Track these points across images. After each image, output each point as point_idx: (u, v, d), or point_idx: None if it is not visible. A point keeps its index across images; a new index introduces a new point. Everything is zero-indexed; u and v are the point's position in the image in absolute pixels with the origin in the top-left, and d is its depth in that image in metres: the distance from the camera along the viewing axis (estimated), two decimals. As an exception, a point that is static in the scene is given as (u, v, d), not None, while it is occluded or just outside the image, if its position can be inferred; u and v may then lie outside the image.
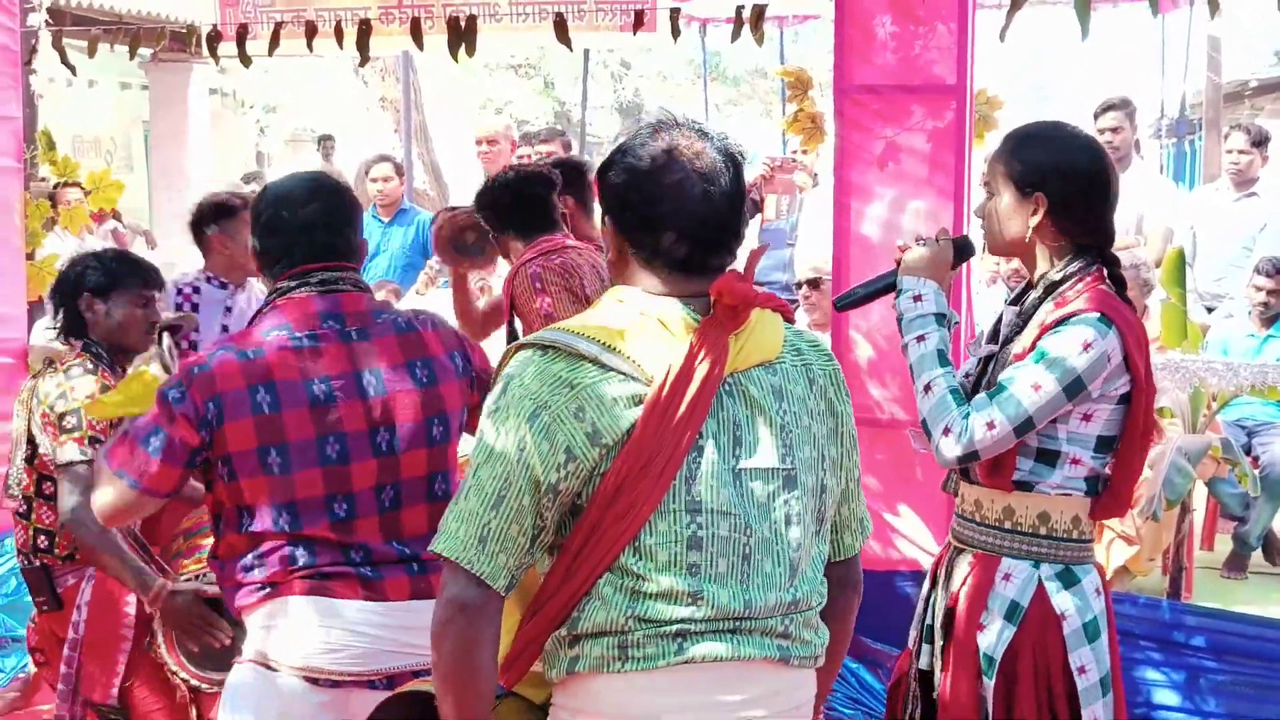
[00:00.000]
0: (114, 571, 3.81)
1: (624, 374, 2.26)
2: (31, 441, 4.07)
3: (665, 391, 2.24)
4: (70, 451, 3.86)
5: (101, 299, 4.08)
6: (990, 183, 3.14)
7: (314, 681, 3.05)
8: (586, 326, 2.31)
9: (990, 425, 2.97)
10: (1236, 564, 6.66)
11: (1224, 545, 6.84)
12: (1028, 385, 2.96)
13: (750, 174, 8.29)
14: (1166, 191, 8.46)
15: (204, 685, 3.84)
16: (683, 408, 2.24)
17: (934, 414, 3.05)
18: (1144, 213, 7.79)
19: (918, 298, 3.14)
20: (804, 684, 2.39)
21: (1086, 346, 2.95)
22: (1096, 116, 7.94)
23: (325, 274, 3.19)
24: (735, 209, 2.36)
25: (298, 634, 3.05)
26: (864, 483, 4.52)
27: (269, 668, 3.08)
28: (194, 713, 3.99)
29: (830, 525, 2.46)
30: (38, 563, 4.12)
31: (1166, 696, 4.77)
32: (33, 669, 5.09)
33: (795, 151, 8.23)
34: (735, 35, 5.63)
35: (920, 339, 3.11)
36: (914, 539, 4.61)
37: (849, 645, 2.67)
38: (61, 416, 3.91)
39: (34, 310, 5.98)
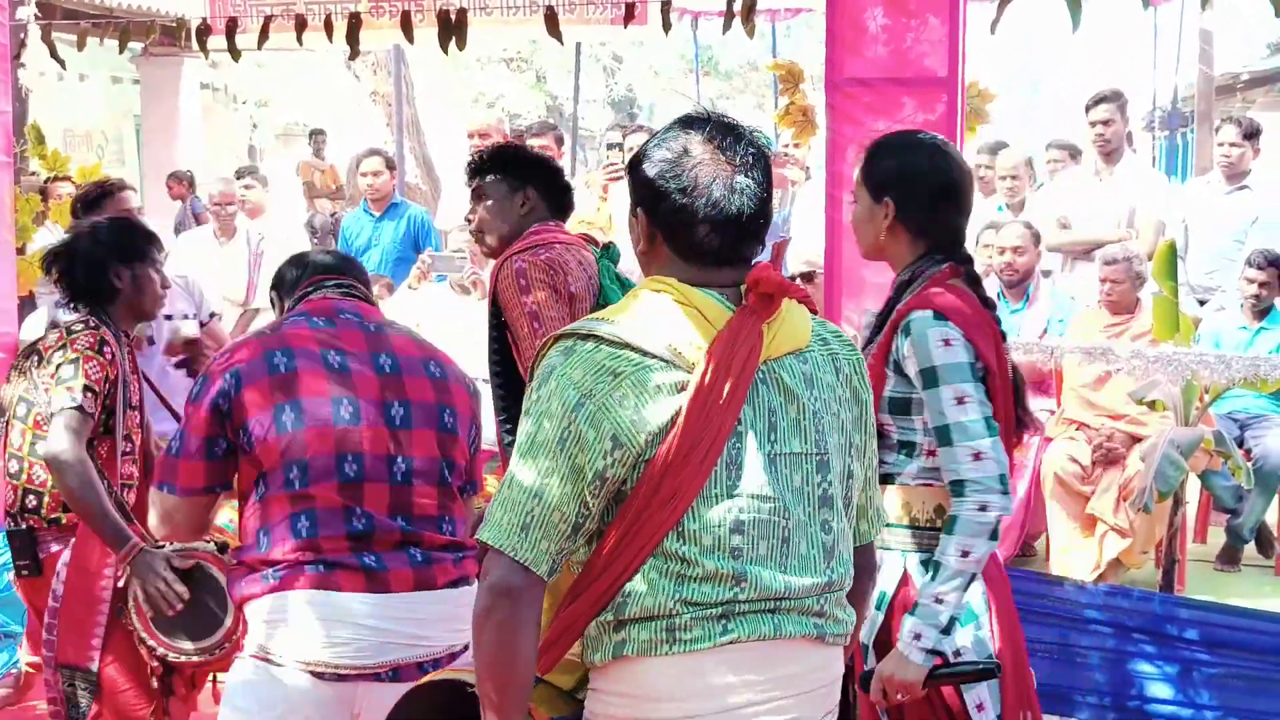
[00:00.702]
0: (92, 521, 3.80)
1: (665, 361, 2.31)
2: (25, 400, 4.09)
3: (707, 378, 2.29)
4: (61, 397, 3.87)
5: (128, 267, 4.14)
6: (855, 190, 3.27)
7: (319, 676, 3.06)
8: (626, 315, 2.36)
9: (978, 456, 2.97)
10: (1229, 557, 6.66)
11: (1217, 538, 6.84)
12: (953, 407, 2.99)
13: None
14: (1158, 184, 8.45)
15: (170, 654, 3.83)
16: (724, 395, 2.29)
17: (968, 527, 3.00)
18: (1136, 205, 7.79)
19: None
20: (836, 660, 2.46)
21: (948, 342, 3.01)
22: (1088, 109, 7.94)
23: (340, 281, 3.43)
24: (765, 200, 2.41)
25: (301, 629, 3.06)
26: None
27: (272, 662, 3.09)
28: (164, 700, 4.02)
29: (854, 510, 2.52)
30: (24, 524, 4.12)
31: (1159, 689, 4.77)
32: (25, 666, 5.08)
33: (787, 145, 8.23)
34: (726, 27, 5.62)
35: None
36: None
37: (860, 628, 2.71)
38: (58, 368, 3.94)
39: (24, 305, 5.96)
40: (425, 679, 2.77)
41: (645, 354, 2.31)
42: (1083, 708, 4.81)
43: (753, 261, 2.42)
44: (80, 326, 4.03)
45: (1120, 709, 4.77)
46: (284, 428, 3.10)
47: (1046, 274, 7.89)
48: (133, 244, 4.19)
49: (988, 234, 7.40)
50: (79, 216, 5.27)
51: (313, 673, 3.05)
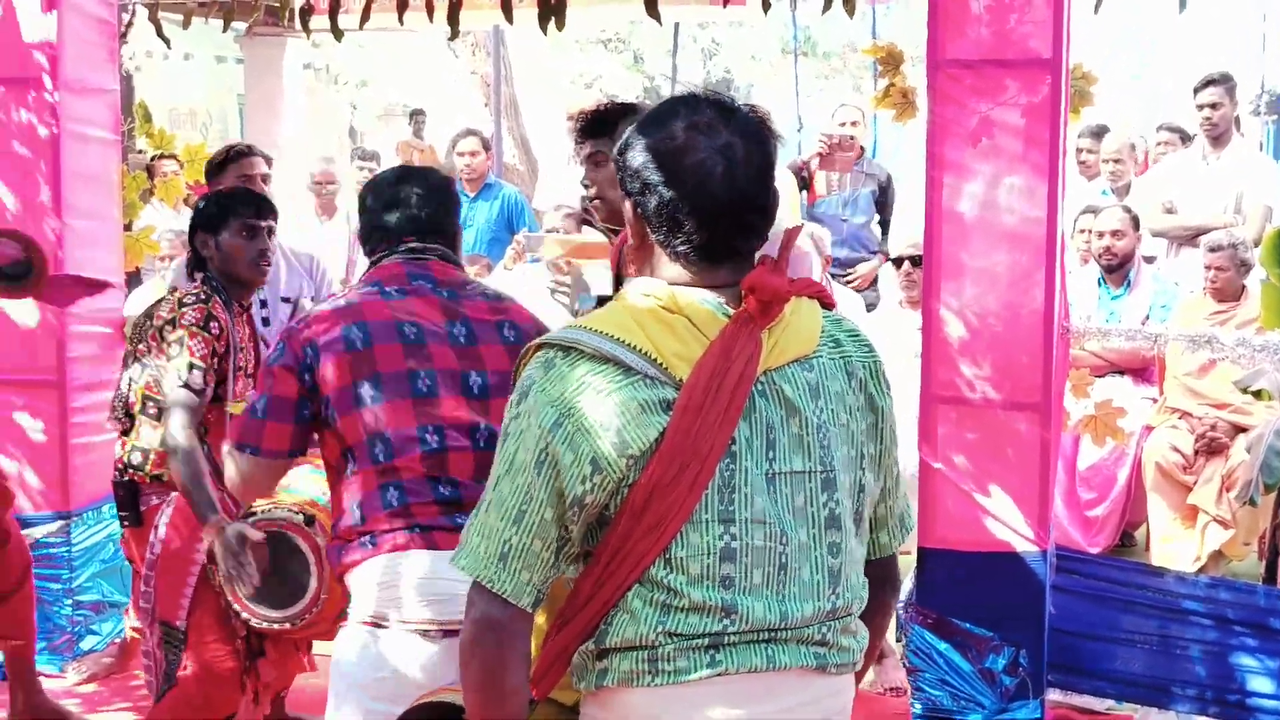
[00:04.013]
0: (184, 489, 3.95)
1: (651, 377, 2.14)
2: (139, 360, 4.25)
3: (696, 396, 2.11)
4: (171, 378, 4.05)
5: (212, 234, 4.27)
6: None
7: (425, 635, 3.09)
8: (610, 324, 2.18)
9: None
10: (1335, 549, 6.54)
11: (1322, 530, 6.71)
12: None
13: (809, 151, 8.27)
14: (1266, 169, 8.28)
15: (253, 620, 3.96)
16: (715, 413, 2.11)
17: None
18: (1243, 191, 7.66)
19: None
20: (841, 690, 2.30)
21: None
22: (1196, 92, 7.82)
23: (413, 244, 3.39)
24: (762, 187, 2.20)
25: (402, 590, 3.10)
26: (953, 462, 4.53)
27: (379, 625, 3.13)
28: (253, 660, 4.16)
29: (868, 524, 2.36)
30: (128, 478, 4.28)
31: (1261, 684, 4.69)
32: (129, 634, 5.19)
33: (843, 124, 8.18)
34: (826, 8, 5.56)
35: None
36: (1005, 520, 4.56)
37: (884, 633, 2.58)
38: (169, 343, 4.09)
39: (131, 281, 6.06)
40: (417, 701, 2.74)
41: (629, 369, 2.13)
42: (1182, 700, 4.74)
43: (755, 255, 2.22)
44: (191, 299, 4.16)
45: (1221, 702, 4.70)
46: (364, 403, 3.15)
47: (1150, 260, 7.77)
48: (218, 212, 4.28)
49: (1085, 218, 7.31)
50: (209, 179, 5.38)
51: (419, 631, 3.09)
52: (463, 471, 3.16)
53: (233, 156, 5.35)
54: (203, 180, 6.28)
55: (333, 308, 3.29)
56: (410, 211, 3.40)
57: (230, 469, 3.36)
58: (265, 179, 5.32)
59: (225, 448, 3.41)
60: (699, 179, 2.15)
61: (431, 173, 3.60)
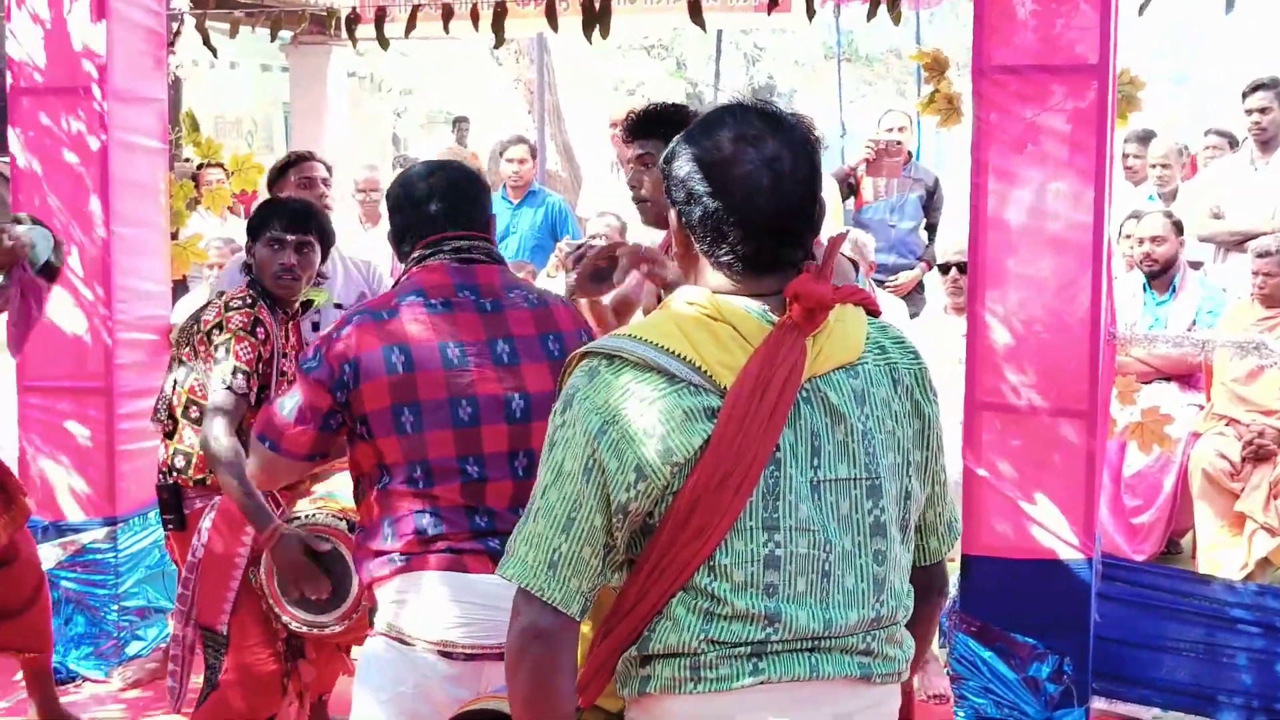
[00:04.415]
0: (236, 498, 3.95)
1: (695, 385, 2.14)
2: (185, 364, 4.29)
3: (740, 403, 2.11)
4: (214, 381, 4.09)
5: (253, 241, 4.34)
6: None
7: (448, 655, 3.09)
8: (654, 332, 2.18)
9: None
10: (1384, 558, 6.47)
11: (1372, 538, 6.64)
12: None
13: (851, 157, 8.25)
14: (1316, 174, 8.21)
15: (293, 624, 3.97)
16: (759, 420, 2.11)
17: None
18: (1293, 196, 7.59)
19: None
20: (886, 700, 2.28)
21: None
22: (1245, 96, 7.76)
23: (458, 242, 3.29)
24: (808, 198, 2.20)
25: (431, 608, 3.09)
26: (999, 469, 4.51)
27: (403, 641, 3.13)
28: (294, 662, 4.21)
29: (915, 531, 2.35)
30: (171, 481, 4.32)
31: (1310, 692, 4.65)
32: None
33: (890, 130, 8.14)
34: (871, 14, 5.56)
35: None
36: (1050, 528, 4.54)
37: (929, 637, 2.55)
38: (215, 346, 4.13)
39: (177, 289, 6.11)
40: (463, 708, 2.73)
41: (674, 377, 2.13)
42: (1228, 709, 4.71)
43: (801, 264, 2.20)
44: (238, 303, 4.20)
45: (1269, 711, 4.66)
46: (404, 429, 3.11)
47: (1198, 265, 7.72)
48: (258, 221, 4.35)
49: (1129, 224, 7.25)
50: (271, 185, 5.44)
51: (442, 652, 3.09)
52: (499, 501, 3.15)
53: (293, 161, 5.40)
54: (249, 189, 6.33)
55: (374, 319, 3.19)
56: (446, 204, 3.32)
57: (251, 458, 3.39)
58: (326, 183, 5.36)
59: (252, 438, 3.39)
60: (746, 191, 2.15)
61: (459, 164, 3.55)
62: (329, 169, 5.48)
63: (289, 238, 4.28)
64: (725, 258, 2.19)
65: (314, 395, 3.17)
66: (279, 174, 5.38)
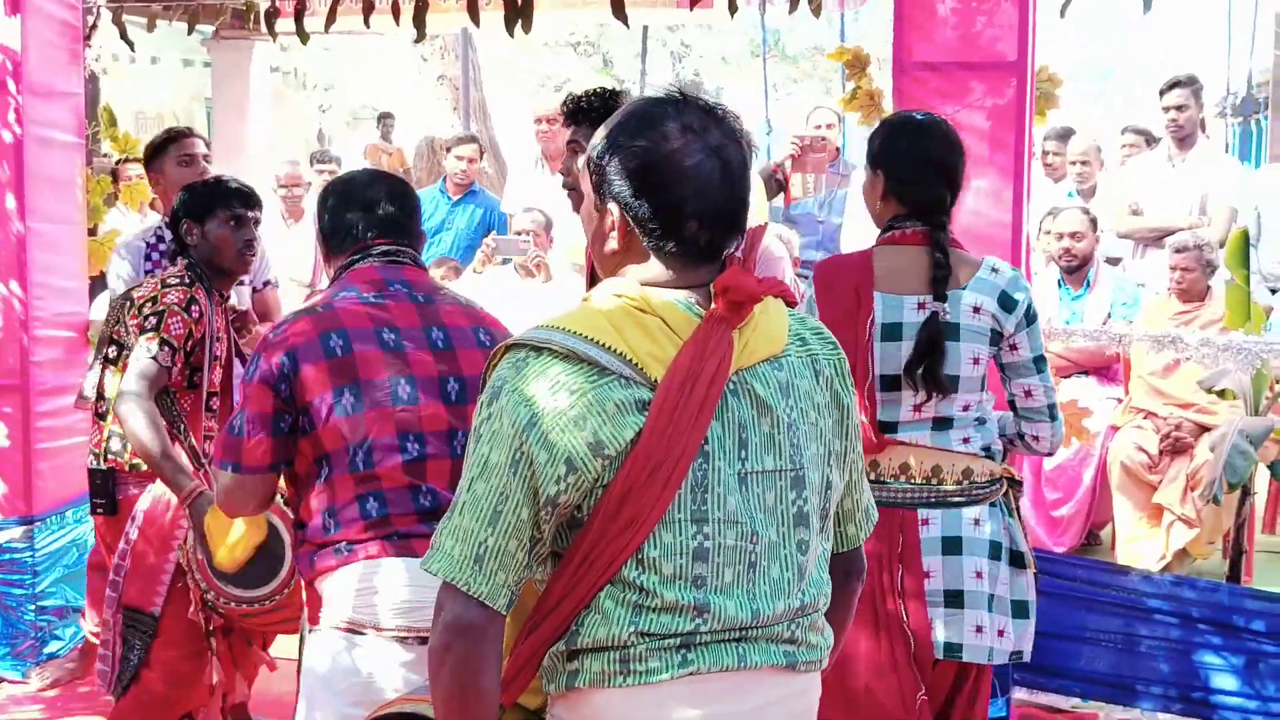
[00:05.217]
0: (150, 460, 3.93)
1: (625, 377, 2.13)
2: (116, 343, 4.25)
3: (671, 396, 2.11)
4: (139, 349, 4.05)
5: (197, 223, 4.26)
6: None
7: (402, 641, 3.07)
8: (582, 324, 2.16)
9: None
10: (1298, 548, 6.58)
11: (1286, 529, 6.76)
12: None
13: (778, 154, 8.28)
14: (1231, 171, 8.34)
15: (222, 600, 3.90)
16: (688, 413, 2.11)
17: None
18: (1208, 192, 7.70)
19: None
20: (809, 688, 2.31)
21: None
22: (1162, 94, 7.86)
23: (387, 247, 3.36)
24: (746, 188, 2.23)
25: (379, 597, 3.08)
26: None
27: (356, 631, 3.11)
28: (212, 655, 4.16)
29: (834, 518, 2.37)
30: (105, 465, 4.27)
31: (1225, 681, 4.72)
32: (90, 636, 5.17)
33: (819, 126, 8.19)
34: (792, 8, 5.58)
35: None
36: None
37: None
38: (146, 317, 4.09)
39: (95, 285, 6.03)
40: (381, 709, 2.71)
41: (604, 369, 2.12)
42: (1146, 698, 4.77)
43: (726, 256, 2.21)
44: (175, 281, 4.16)
45: (1185, 700, 4.73)
46: (345, 411, 3.11)
47: (1116, 261, 7.81)
48: (204, 200, 4.29)
49: (1048, 220, 7.33)
50: (149, 164, 5.31)
51: (396, 639, 3.08)
52: (440, 479, 3.15)
53: (173, 137, 5.29)
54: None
55: (310, 314, 3.22)
56: (380, 214, 3.38)
57: (217, 489, 3.34)
58: (206, 159, 5.27)
59: (213, 469, 3.39)
60: (700, 182, 2.15)
61: (395, 177, 3.63)
62: (208, 144, 5.42)
63: (249, 214, 4.30)
64: (675, 249, 2.18)
65: (259, 400, 3.15)
66: (157, 151, 5.25)
